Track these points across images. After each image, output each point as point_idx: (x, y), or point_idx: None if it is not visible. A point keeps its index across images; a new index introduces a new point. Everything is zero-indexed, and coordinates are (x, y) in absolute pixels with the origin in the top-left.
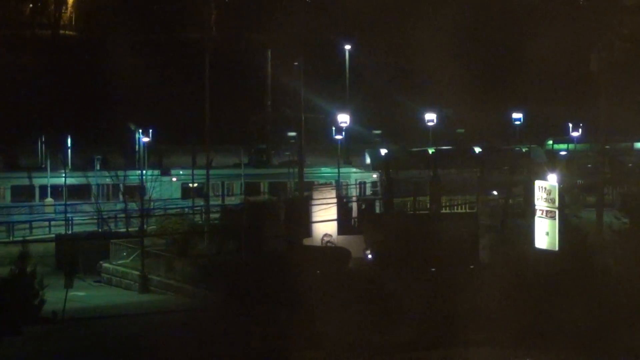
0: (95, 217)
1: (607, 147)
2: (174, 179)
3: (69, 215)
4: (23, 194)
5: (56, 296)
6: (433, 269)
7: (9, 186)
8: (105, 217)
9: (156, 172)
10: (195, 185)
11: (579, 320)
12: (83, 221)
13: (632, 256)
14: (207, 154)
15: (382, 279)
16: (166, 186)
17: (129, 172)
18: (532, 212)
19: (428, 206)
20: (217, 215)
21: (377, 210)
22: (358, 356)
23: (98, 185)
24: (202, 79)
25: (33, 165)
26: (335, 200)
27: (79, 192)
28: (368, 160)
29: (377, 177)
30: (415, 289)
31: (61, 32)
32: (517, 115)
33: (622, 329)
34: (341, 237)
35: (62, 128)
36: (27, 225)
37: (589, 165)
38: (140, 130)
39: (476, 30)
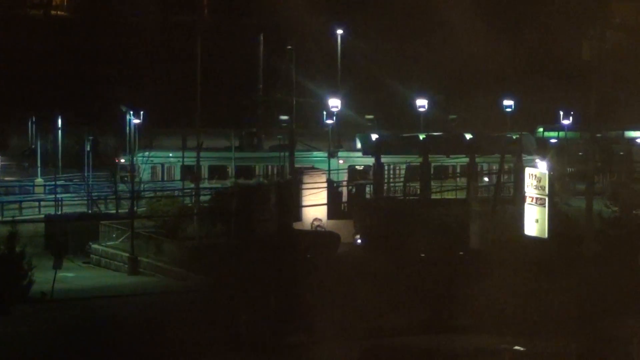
0: (85, 198)
1: (598, 135)
2: (341, 161)
3: (58, 196)
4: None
5: (45, 277)
6: (423, 255)
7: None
8: (95, 198)
9: (323, 154)
10: (362, 167)
11: (568, 308)
12: (73, 202)
13: (621, 244)
14: (198, 136)
15: (372, 264)
16: (333, 167)
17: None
18: (522, 199)
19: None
20: (207, 198)
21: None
22: (347, 341)
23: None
24: (193, 61)
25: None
26: (325, 185)
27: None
28: (359, 145)
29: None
30: (405, 274)
31: (53, 12)
32: (508, 102)
33: (610, 316)
34: (331, 221)
35: (52, 109)
36: (17, 205)
37: (580, 153)
38: (132, 112)
39: (467, 17)
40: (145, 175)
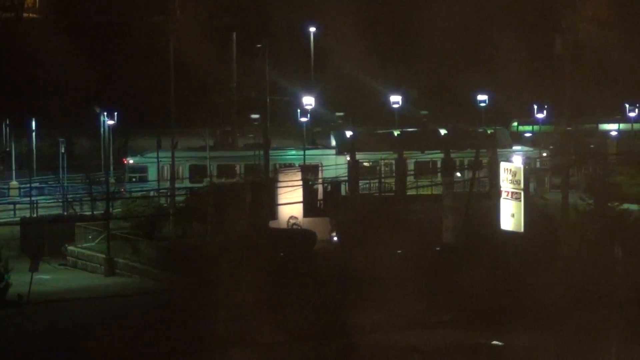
0: (60, 200)
1: (570, 128)
2: (348, 158)
3: (33, 198)
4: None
5: (21, 279)
6: (399, 251)
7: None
8: (70, 200)
9: (331, 152)
10: (368, 164)
11: (545, 301)
12: (48, 204)
13: (597, 237)
14: (173, 136)
15: (348, 261)
16: (341, 164)
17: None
18: (497, 193)
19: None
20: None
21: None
22: (324, 339)
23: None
24: (167, 62)
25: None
26: (300, 183)
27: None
28: (333, 142)
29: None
30: (381, 270)
31: (25, 14)
32: (482, 97)
33: (587, 309)
34: (307, 219)
35: (26, 111)
36: None
37: (551, 147)
38: (105, 113)
39: (441, 12)
40: (152, 175)
